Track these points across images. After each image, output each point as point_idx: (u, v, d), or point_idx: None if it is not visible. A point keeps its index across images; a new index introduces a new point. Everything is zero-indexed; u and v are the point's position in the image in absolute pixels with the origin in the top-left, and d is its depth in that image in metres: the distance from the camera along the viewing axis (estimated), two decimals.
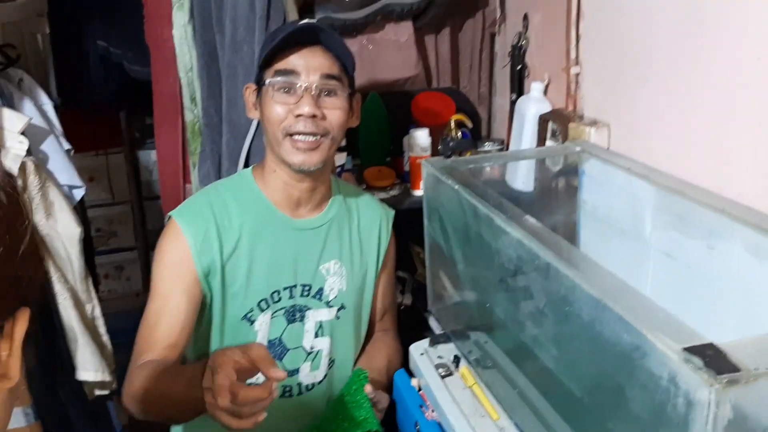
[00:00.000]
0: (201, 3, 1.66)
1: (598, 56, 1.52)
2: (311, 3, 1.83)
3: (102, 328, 1.82)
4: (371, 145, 1.93)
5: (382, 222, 1.41)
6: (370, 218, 1.39)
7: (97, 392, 1.85)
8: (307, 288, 1.29)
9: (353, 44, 1.91)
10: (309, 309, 1.29)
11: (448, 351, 1.39)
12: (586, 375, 0.97)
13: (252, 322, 1.25)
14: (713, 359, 0.71)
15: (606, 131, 1.48)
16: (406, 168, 1.86)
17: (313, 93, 1.18)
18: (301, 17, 1.71)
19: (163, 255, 1.22)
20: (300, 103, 1.18)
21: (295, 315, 1.28)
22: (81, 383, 1.80)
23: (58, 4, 2.12)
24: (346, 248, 1.33)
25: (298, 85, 1.18)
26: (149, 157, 3.02)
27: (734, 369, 0.69)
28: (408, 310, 1.94)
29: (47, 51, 2.17)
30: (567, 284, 0.92)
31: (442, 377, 1.31)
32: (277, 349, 1.27)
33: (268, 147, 1.26)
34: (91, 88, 2.34)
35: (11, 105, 1.72)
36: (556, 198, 1.58)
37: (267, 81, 1.20)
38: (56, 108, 1.86)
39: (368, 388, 1.23)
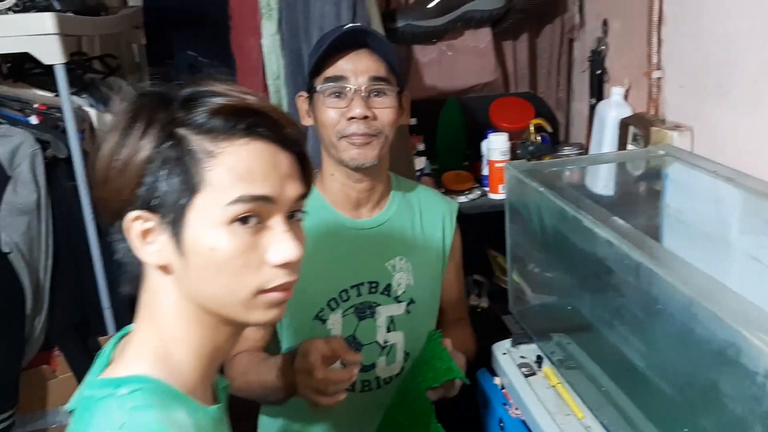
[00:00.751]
0: (289, 13, 1.74)
1: (680, 60, 1.52)
2: (393, 11, 1.88)
3: None
4: (449, 149, 1.97)
5: (446, 215, 1.42)
6: (433, 213, 1.41)
7: None
8: (374, 285, 1.32)
9: (432, 51, 1.96)
10: (378, 305, 1.33)
11: (530, 351, 1.41)
12: (677, 373, 0.98)
13: (324, 321, 1.29)
14: None
15: (689, 135, 1.48)
16: (484, 172, 1.89)
17: (362, 95, 1.22)
18: (384, 26, 1.76)
19: None
20: (351, 106, 1.21)
21: (365, 312, 1.32)
22: None
23: (153, 16, 2.25)
24: (410, 244, 1.36)
25: (347, 89, 1.22)
26: None
27: None
28: (485, 313, 1.96)
29: (143, 60, 2.30)
30: (658, 284, 0.94)
31: (526, 376, 1.34)
32: (351, 345, 1.31)
33: (325, 151, 1.30)
34: None
35: (112, 111, 1.84)
36: (637, 202, 1.58)
37: (318, 88, 1.24)
38: None
39: (447, 342, 1.24)
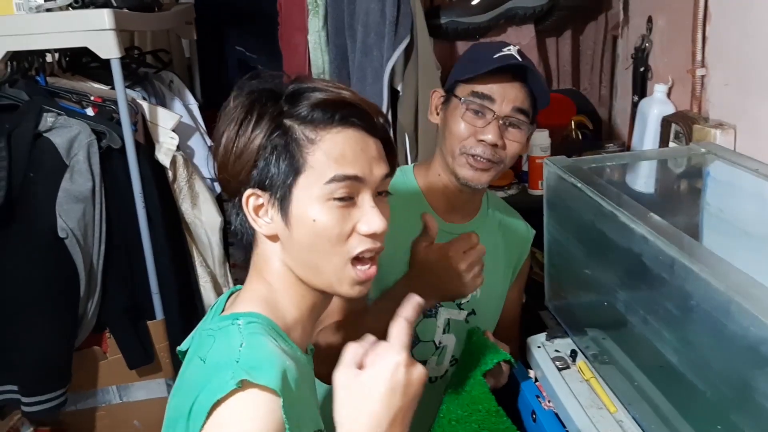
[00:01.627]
0: (335, 10, 1.78)
1: (725, 58, 1.51)
2: (437, 8, 1.90)
3: None
4: None
5: (524, 238, 1.45)
6: (514, 234, 1.43)
7: None
8: None
9: None
10: (441, 306, 1.36)
11: (565, 345, 1.42)
12: (710, 370, 0.98)
13: None
14: None
15: (732, 133, 1.47)
16: (525, 168, 1.90)
17: (500, 123, 1.24)
18: (428, 22, 1.79)
19: None
20: (486, 129, 1.23)
21: (430, 310, 1.34)
22: None
23: (204, 12, 2.31)
24: (487, 257, 1.35)
25: (489, 112, 1.23)
26: None
27: None
28: (524, 307, 1.97)
29: (193, 55, 2.37)
30: (693, 279, 0.95)
31: (559, 370, 1.35)
32: (413, 340, 1.34)
33: (440, 153, 1.31)
34: (230, 89, 2.52)
35: (163, 104, 1.91)
36: (678, 199, 1.58)
37: (462, 98, 1.24)
38: (200, 108, 2.04)
39: (488, 333, 1.27)
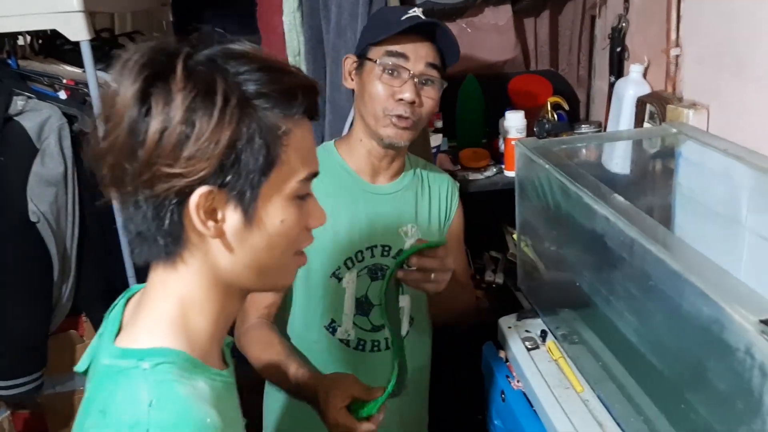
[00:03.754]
0: None
1: (699, 38, 1.50)
2: None
3: None
4: (467, 126, 1.98)
5: (449, 191, 1.48)
6: (439, 187, 1.46)
7: None
8: (386, 248, 1.37)
9: (452, 28, 1.95)
10: (388, 268, 1.36)
11: (535, 326, 1.43)
12: (667, 348, 0.99)
13: (340, 280, 1.34)
14: None
15: (705, 113, 1.47)
16: (502, 150, 1.89)
17: (416, 80, 1.26)
18: (404, 3, 1.77)
19: None
20: (403, 88, 1.26)
21: (377, 273, 1.36)
22: None
23: None
24: (420, 213, 1.42)
25: (404, 71, 1.27)
26: None
27: None
28: (500, 289, 1.98)
29: (170, 37, 2.34)
30: (650, 259, 0.95)
31: (529, 350, 1.36)
32: (363, 305, 1.36)
33: (360, 118, 1.34)
34: None
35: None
36: (652, 180, 1.58)
37: (377, 59, 1.27)
38: None
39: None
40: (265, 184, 0.73)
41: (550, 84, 1.95)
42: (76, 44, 1.67)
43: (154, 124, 0.68)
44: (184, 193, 0.71)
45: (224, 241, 0.75)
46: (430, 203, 1.44)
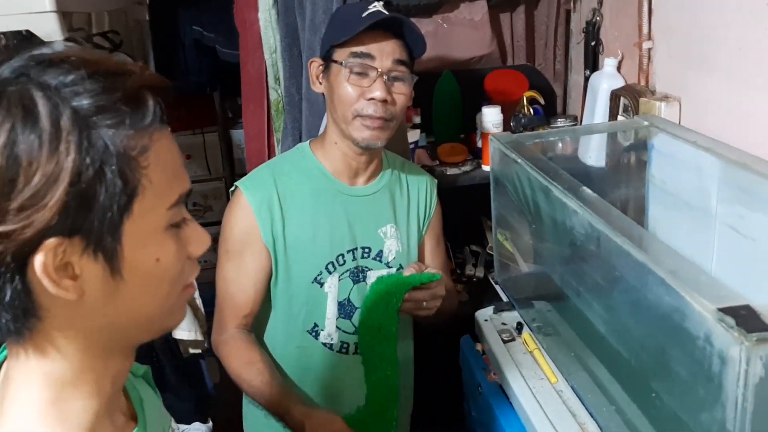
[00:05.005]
0: None
1: (670, 32, 1.52)
2: None
3: (196, 293, 1.98)
4: (444, 122, 1.99)
5: (428, 188, 1.47)
6: (417, 185, 1.46)
7: (191, 350, 2.01)
8: (367, 250, 1.37)
9: (428, 24, 1.96)
10: (370, 270, 1.38)
11: (511, 318, 1.45)
12: (635, 338, 1.01)
13: (321, 285, 1.34)
14: (746, 319, 0.74)
15: (677, 106, 1.48)
16: (479, 144, 1.91)
17: (384, 78, 1.25)
18: None
19: (230, 224, 1.33)
20: (372, 87, 1.25)
21: (358, 276, 1.37)
22: (176, 341, 1.97)
23: None
24: (399, 212, 1.42)
25: (372, 70, 1.25)
26: (241, 135, 3.18)
27: (766, 328, 0.73)
28: (480, 282, 2.00)
29: (147, 36, 2.34)
30: (616, 251, 0.96)
31: (505, 342, 1.38)
32: (346, 308, 1.37)
33: (332, 121, 1.33)
34: (186, 70, 2.50)
35: None
36: (625, 172, 1.60)
37: (342, 61, 1.26)
38: None
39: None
40: (128, 221, 0.58)
41: (526, 79, 1.96)
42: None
43: None
44: (24, 254, 0.55)
45: (89, 299, 0.59)
46: (408, 203, 1.43)
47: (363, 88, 1.25)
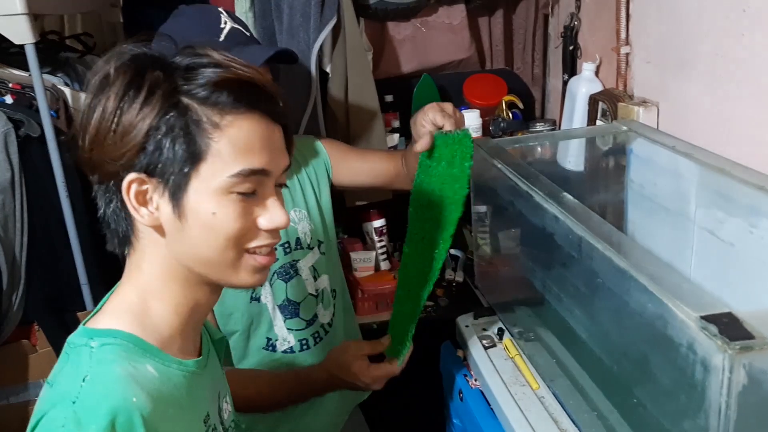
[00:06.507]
0: None
1: (648, 36, 1.53)
2: None
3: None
4: None
5: (308, 150, 1.44)
6: (301, 154, 1.42)
7: None
8: (286, 245, 1.34)
9: (407, 28, 1.96)
10: (298, 260, 1.36)
11: (492, 324, 1.44)
12: (617, 344, 1.00)
13: (258, 299, 1.33)
14: (728, 326, 0.74)
15: (655, 111, 1.49)
16: None
17: None
18: (357, 2, 1.77)
19: None
20: None
21: (288, 272, 1.35)
22: None
23: None
24: (294, 193, 1.38)
25: None
26: None
27: (749, 336, 0.72)
28: (460, 287, 1.99)
29: (120, 39, 2.30)
30: (597, 256, 0.96)
31: (486, 348, 1.37)
32: (289, 308, 1.35)
33: None
34: None
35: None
36: (605, 177, 1.60)
37: None
38: None
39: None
40: (194, 175, 0.74)
41: (504, 83, 1.96)
42: (22, 47, 1.62)
43: (95, 113, 0.73)
44: (120, 180, 0.74)
45: (162, 230, 0.77)
46: (297, 177, 1.39)
47: None
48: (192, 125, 0.73)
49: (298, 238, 1.36)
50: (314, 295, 1.38)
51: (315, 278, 1.38)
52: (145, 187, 0.75)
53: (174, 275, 0.79)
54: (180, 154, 0.73)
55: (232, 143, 0.74)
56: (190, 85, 0.73)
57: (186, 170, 0.74)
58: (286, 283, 1.35)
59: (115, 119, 0.72)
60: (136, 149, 0.73)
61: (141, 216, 0.75)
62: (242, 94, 0.75)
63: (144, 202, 0.75)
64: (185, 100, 0.73)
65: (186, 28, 1.26)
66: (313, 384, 1.22)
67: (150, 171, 0.74)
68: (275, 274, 1.34)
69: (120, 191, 0.75)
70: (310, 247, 1.37)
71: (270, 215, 0.79)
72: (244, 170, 0.75)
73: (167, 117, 0.72)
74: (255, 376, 1.27)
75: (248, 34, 1.29)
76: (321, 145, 1.45)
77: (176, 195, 0.75)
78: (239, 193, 0.76)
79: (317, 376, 1.22)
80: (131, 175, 0.74)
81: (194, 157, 0.74)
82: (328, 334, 1.39)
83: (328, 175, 1.44)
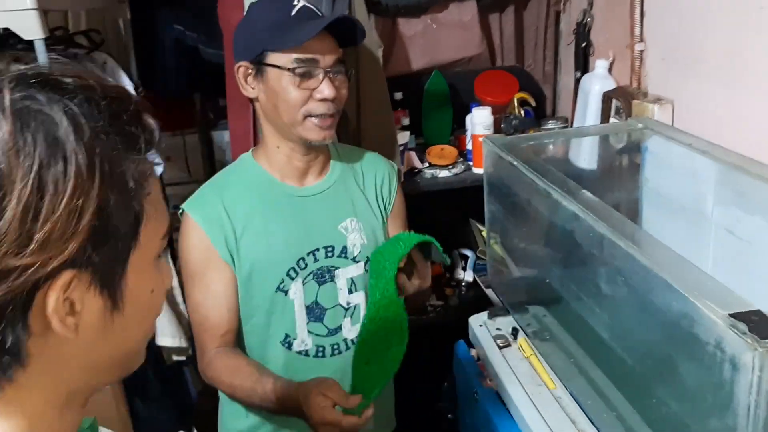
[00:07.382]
0: None
1: (663, 33, 1.51)
2: None
3: (179, 298, 1.94)
4: (434, 123, 1.97)
5: (387, 173, 1.43)
6: (374, 172, 1.42)
7: (175, 358, 1.97)
8: (330, 249, 1.34)
9: (417, 24, 1.95)
10: (337, 268, 1.35)
11: (506, 323, 1.42)
12: (638, 343, 0.99)
13: (286, 293, 1.31)
14: (758, 325, 0.73)
15: (669, 108, 1.48)
16: (469, 146, 1.89)
17: (330, 76, 1.24)
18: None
19: (185, 249, 1.30)
20: (322, 87, 1.23)
21: (324, 276, 1.34)
22: (160, 348, 1.92)
23: None
24: (358, 204, 1.38)
25: (318, 70, 1.23)
26: (223, 137, 3.12)
27: None
28: (470, 286, 1.98)
29: (128, 35, 2.29)
30: (619, 255, 0.94)
31: (501, 348, 1.35)
32: (315, 311, 1.33)
33: (272, 126, 1.30)
34: (167, 70, 2.44)
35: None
36: (619, 175, 1.59)
37: (285, 66, 1.23)
38: (137, 90, 1.97)
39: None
40: (134, 251, 0.56)
41: (516, 80, 1.95)
42: (30, 43, 1.61)
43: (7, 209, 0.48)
44: (34, 290, 0.51)
45: (81, 337, 0.54)
46: (366, 192, 1.40)
47: (311, 90, 1.23)
48: (136, 187, 0.55)
49: (344, 246, 1.35)
50: (344, 307, 1.36)
51: (350, 291, 1.36)
52: (80, 287, 0.53)
53: (54, 403, 0.57)
54: (127, 229, 0.55)
55: (155, 197, 0.58)
56: (110, 131, 0.53)
57: (128, 245, 0.55)
58: (319, 286, 1.33)
59: (36, 205, 0.48)
60: (79, 240, 0.50)
61: (66, 327, 0.52)
62: (150, 126, 0.57)
63: (68, 309, 0.53)
64: (122, 157, 0.54)
65: (261, 8, 1.29)
66: (284, 400, 1.18)
67: (85, 265, 0.52)
68: (311, 275, 1.33)
69: (27, 306, 0.51)
70: (355, 260, 1.36)
71: (168, 270, 0.66)
72: (169, 225, 0.61)
73: (113, 183, 0.52)
74: (243, 365, 1.27)
75: (320, 13, 1.28)
76: (397, 186, 1.46)
77: (116, 284, 0.55)
78: (158, 257, 0.61)
79: (288, 391, 1.18)
80: (64, 276, 0.51)
81: (135, 224, 0.56)
82: (349, 350, 1.36)
83: (386, 213, 1.44)
